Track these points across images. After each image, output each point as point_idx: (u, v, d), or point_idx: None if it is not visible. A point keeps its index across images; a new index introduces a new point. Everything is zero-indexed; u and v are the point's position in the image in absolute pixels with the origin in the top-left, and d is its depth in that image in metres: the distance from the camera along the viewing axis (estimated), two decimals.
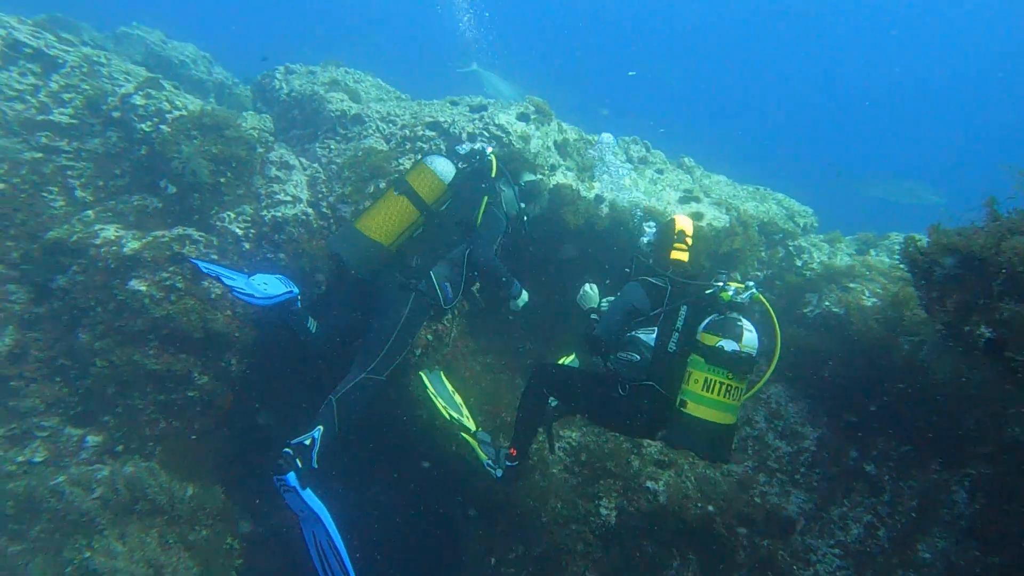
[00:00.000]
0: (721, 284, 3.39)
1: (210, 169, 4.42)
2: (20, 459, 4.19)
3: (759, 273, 5.92)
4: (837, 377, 4.87)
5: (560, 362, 4.50)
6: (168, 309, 4.19)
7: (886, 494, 4.39)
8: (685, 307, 3.49)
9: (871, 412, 4.66)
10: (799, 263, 6.00)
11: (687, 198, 5.87)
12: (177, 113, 4.67)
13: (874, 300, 5.03)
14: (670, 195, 5.91)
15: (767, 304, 3.47)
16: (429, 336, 5.22)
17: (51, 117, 5.00)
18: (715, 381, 3.24)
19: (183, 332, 4.26)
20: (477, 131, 5.13)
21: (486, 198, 4.10)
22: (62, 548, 3.73)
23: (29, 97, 5.03)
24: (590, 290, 4.16)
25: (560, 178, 5.37)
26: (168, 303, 4.21)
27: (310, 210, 4.93)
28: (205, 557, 3.86)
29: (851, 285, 5.18)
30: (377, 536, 5.43)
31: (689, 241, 3.76)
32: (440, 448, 5.07)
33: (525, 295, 4.41)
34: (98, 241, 4.40)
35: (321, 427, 3.56)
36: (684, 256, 3.74)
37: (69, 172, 4.93)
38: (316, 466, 3.48)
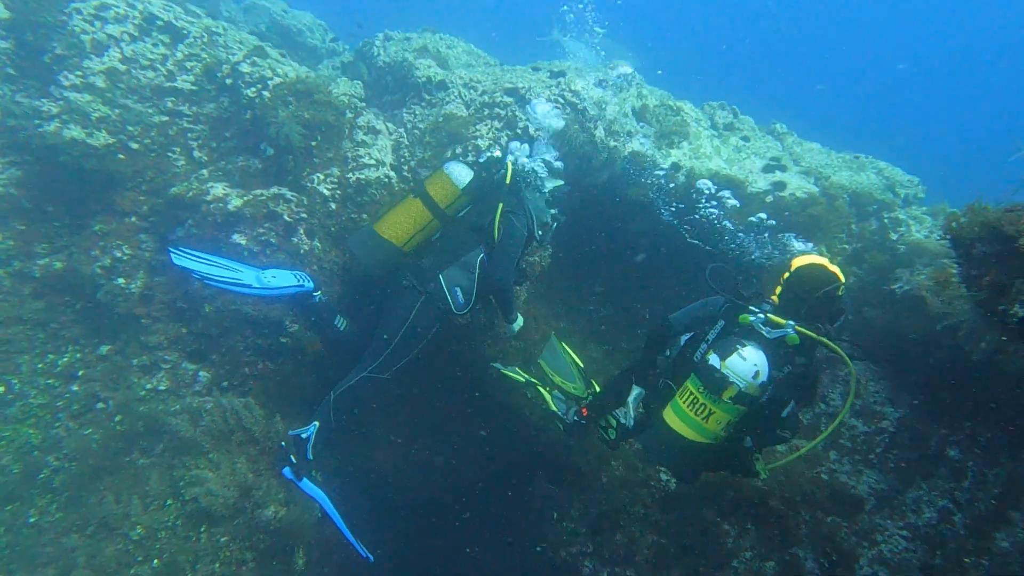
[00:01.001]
0: (755, 310, 3.11)
1: (301, 133, 4.57)
2: (148, 386, 4.64)
3: (846, 246, 5.41)
4: (921, 357, 4.42)
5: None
6: (263, 262, 4.43)
7: (967, 480, 3.98)
8: (722, 322, 3.27)
9: (958, 394, 4.20)
10: (894, 236, 5.42)
11: (771, 166, 5.42)
12: (277, 80, 4.83)
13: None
14: (754, 163, 5.48)
15: (829, 344, 3.01)
16: None
17: (176, 84, 5.32)
18: (688, 390, 3.14)
19: None
20: (553, 97, 4.96)
21: (501, 205, 3.95)
22: (174, 466, 4.15)
23: (159, 66, 5.35)
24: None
25: (636, 146, 5.11)
26: (264, 256, 4.44)
27: (392, 173, 5.00)
28: (291, 485, 4.13)
29: (945, 261, 4.61)
30: (451, 482, 5.64)
31: (785, 275, 3.30)
32: (512, 406, 5.14)
33: (520, 320, 4.49)
34: (208, 198, 4.69)
35: (317, 423, 3.70)
36: (776, 289, 3.32)
37: (189, 134, 5.27)
38: (311, 458, 3.67)
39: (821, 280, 3.16)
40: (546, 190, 4.35)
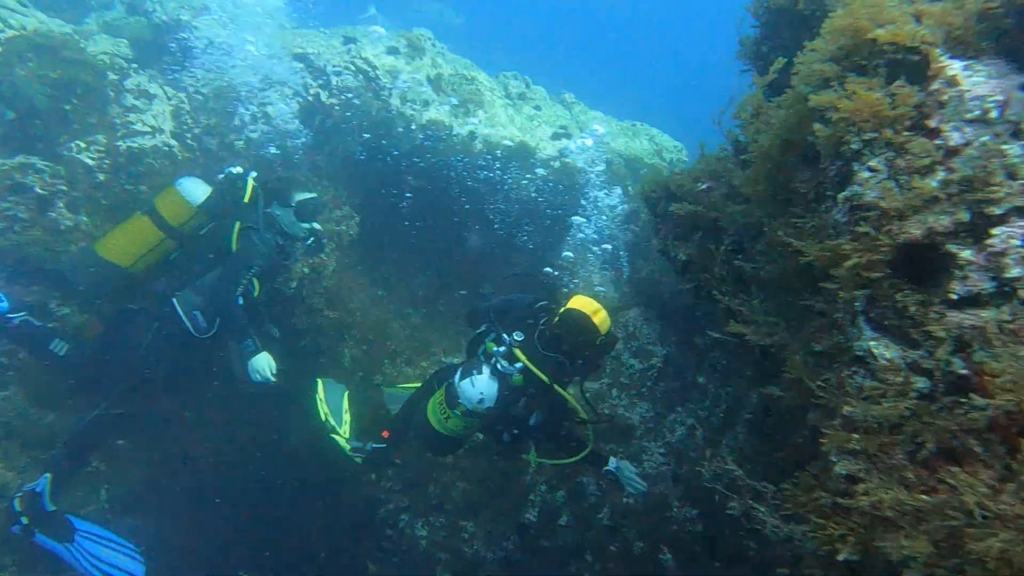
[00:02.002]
0: (506, 338, 3.35)
1: (48, 95, 4.01)
2: None
3: (625, 206, 6.01)
4: (678, 301, 5.09)
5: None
6: (13, 240, 3.88)
7: (708, 400, 4.72)
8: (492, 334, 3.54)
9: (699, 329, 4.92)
10: None
11: (559, 134, 5.82)
12: (11, 32, 4.16)
13: None
14: (544, 131, 5.84)
15: (560, 392, 3.32)
16: (306, 269, 5.07)
17: None
18: (439, 392, 3.49)
19: (33, 263, 3.97)
20: (343, 64, 4.85)
21: (238, 223, 3.72)
22: None
23: None
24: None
25: (433, 114, 5.19)
26: (12, 233, 3.89)
27: (174, 142, 4.60)
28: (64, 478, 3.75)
29: None
30: (270, 453, 5.47)
31: (561, 309, 3.42)
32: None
33: (263, 362, 3.59)
34: None
35: (48, 474, 3.42)
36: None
37: None
38: (52, 509, 3.39)
39: (579, 329, 3.32)
40: (293, 203, 3.96)
